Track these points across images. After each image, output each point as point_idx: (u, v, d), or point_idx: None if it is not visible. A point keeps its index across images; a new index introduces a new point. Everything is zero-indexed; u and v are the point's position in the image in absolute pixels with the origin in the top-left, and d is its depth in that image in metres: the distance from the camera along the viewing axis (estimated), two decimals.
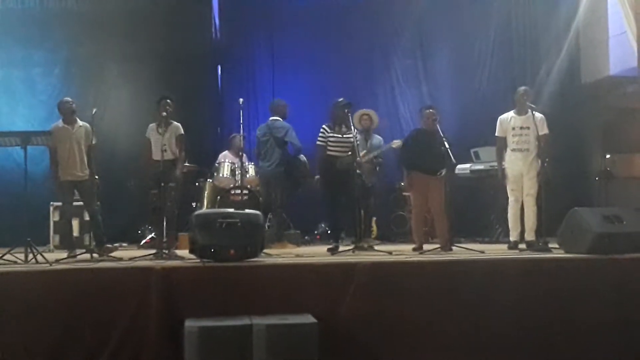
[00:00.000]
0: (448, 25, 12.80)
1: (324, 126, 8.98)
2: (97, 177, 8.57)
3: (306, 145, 10.31)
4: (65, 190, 8.58)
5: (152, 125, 8.45)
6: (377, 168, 9.68)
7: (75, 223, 10.01)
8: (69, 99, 8.67)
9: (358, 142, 8.59)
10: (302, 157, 9.82)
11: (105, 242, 8.52)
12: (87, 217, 9.33)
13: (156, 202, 8.23)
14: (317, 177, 9.09)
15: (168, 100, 8.44)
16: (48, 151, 9.01)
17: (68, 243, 8.65)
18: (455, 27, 12.76)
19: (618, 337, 6.44)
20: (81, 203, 8.94)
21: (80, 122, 8.56)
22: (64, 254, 7.88)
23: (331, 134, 8.89)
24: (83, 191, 8.56)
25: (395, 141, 9.40)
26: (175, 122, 8.48)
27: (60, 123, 8.57)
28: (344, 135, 8.77)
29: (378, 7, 12.82)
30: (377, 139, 9.77)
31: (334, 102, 9.00)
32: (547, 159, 8.37)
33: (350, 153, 8.57)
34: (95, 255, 7.82)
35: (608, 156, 10.86)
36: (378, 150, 9.45)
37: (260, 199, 9.89)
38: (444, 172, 8.48)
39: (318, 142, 8.98)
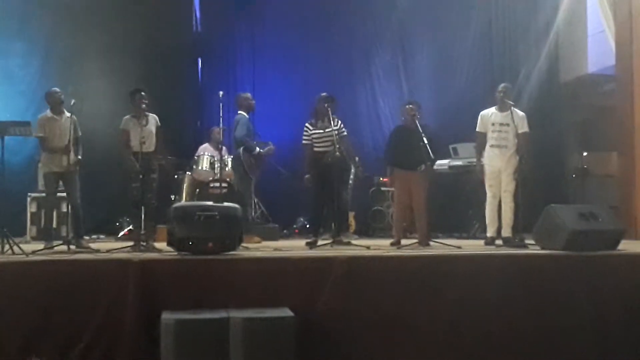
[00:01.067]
0: (429, 22, 12.86)
1: (306, 124, 8.98)
2: (80, 157, 8.51)
3: (287, 138, 10.36)
4: (50, 180, 8.50)
5: (128, 117, 8.40)
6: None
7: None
8: (57, 89, 8.57)
9: (338, 136, 8.59)
10: (241, 150, 9.73)
11: (83, 235, 8.49)
12: (64, 209, 9.29)
13: (137, 194, 8.20)
14: (306, 176, 9.01)
15: (142, 93, 8.41)
16: (26, 141, 8.97)
17: (47, 234, 8.56)
18: (436, 24, 12.82)
19: (592, 333, 6.50)
20: (60, 195, 8.88)
21: (67, 113, 8.46)
22: (41, 245, 7.83)
23: (314, 131, 8.90)
24: (68, 182, 8.46)
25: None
26: (152, 114, 8.46)
27: (48, 113, 8.49)
28: (326, 130, 8.76)
29: (360, 3, 12.83)
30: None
31: (317, 96, 9.00)
32: (524, 156, 8.42)
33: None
34: (72, 246, 7.79)
35: (585, 154, 10.95)
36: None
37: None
38: (423, 167, 8.51)
39: (304, 142, 8.98)
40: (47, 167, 8.46)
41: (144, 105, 8.29)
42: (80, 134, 8.58)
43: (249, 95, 10.11)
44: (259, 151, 9.77)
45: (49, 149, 8.38)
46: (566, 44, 12.51)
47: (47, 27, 11.95)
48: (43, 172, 8.55)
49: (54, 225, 9.79)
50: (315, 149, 8.88)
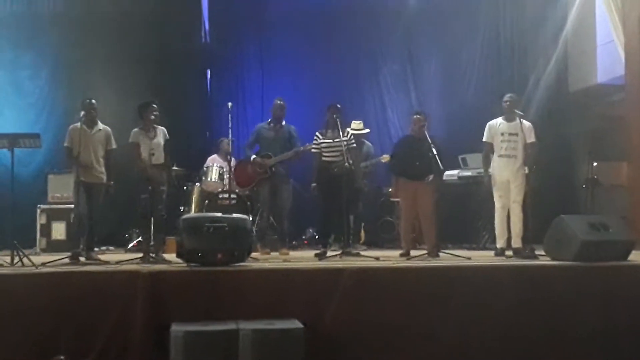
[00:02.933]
0: (437, 32, 12.85)
1: (316, 133, 9.04)
2: (112, 182, 8.46)
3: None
4: (77, 190, 8.25)
5: (137, 130, 8.38)
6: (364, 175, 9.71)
7: (60, 226, 10.00)
8: (93, 100, 8.41)
9: (347, 147, 8.60)
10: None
11: (93, 248, 8.44)
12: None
13: (146, 206, 8.19)
14: (313, 184, 9.02)
15: (154, 105, 8.40)
16: (36, 153, 8.98)
17: (75, 244, 8.25)
18: (443, 34, 12.81)
19: (603, 344, 6.47)
20: (68, 206, 8.83)
21: (100, 125, 8.35)
22: (51, 257, 7.81)
23: (323, 140, 8.92)
24: (94, 194, 8.29)
25: (384, 156, 9.45)
26: (161, 127, 8.46)
27: (78, 124, 8.25)
28: (335, 140, 8.76)
29: (367, 13, 12.84)
30: (367, 145, 9.80)
31: (327, 106, 9.01)
32: (534, 167, 8.40)
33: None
34: (82, 258, 7.79)
35: (595, 164, 10.90)
36: (368, 162, 9.47)
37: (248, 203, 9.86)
38: (431, 177, 8.50)
39: (312, 150, 9.02)
40: (76, 176, 8.23)
41: (153, 117, 8.29)
42: (114, 146, 8.46)
43: (275, 102, 9.76)
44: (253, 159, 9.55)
45: (75, 160, 8.16)
46: (575, 53, 12.49)
47: (56, 39, 11.99)
48: (74, 181, 8.30)
49: (63, 237, 9.85)
50: (324, 158, 8.90)
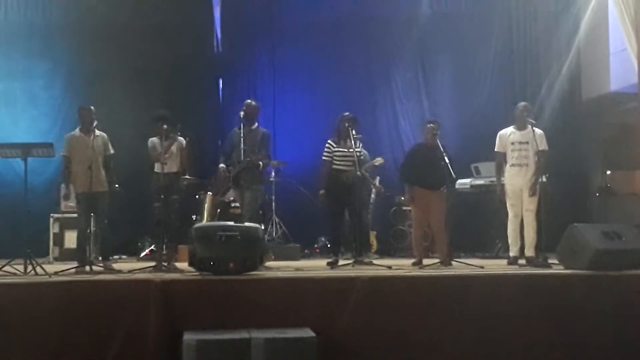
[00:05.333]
0: (449, 40, 12.85)
1: (329, 141, 8.99)
2: (117, 185, 8.51)
3: (307, 157, 10.34)
4: (80, 201, 8.40)
5: (154, 139, 8.45)
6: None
7: (72, 235, 10.02)
8: (91, 107, 8.47)
9: (360, 156, 8.59)
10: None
11: (108, 257, 8.49)
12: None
13: (159, 214, 8.23)
14: (321, 191, 9.02)
15: (166, 115, 8.48)
16: (50, 162, 8.98)
17: (81, 254, 8.34)
18: (456, 42, 12.82)
19: (617, 353, 6.43)
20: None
21: (97, 132, 8.38)
22: (64, 266, 7.84)
23: (337, 149, 8.89)
24: (97, 203, 8.35)
25: (377, 159, 9.41)
26: (176, 136, 8.51)
27: (77, 132, 8.42)
28: (349, 150, 8.74)
29: (379, 22, 12.85)
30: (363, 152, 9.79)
31: (339, 116, 8.99)
32: (546, 175, 8.38)
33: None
34: (94, 267, 7.81)
35: (608, 172, 10.85)
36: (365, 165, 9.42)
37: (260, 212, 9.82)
38: (445, 187, 8.48)
39: (324, 158, 8.96)
40: (76, 187, 8.36)
41: (166, 127, 8.34)
42: (112, 152, 8.57)
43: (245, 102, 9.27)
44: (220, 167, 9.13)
45: (73, 169, 8.33)
46: (588, 62, 12.46)
47: (70, 48, 12.04)
48: (75, 192, 8.44)
49: (74, 245, 9.88)
50: (335, 166, 8.87)
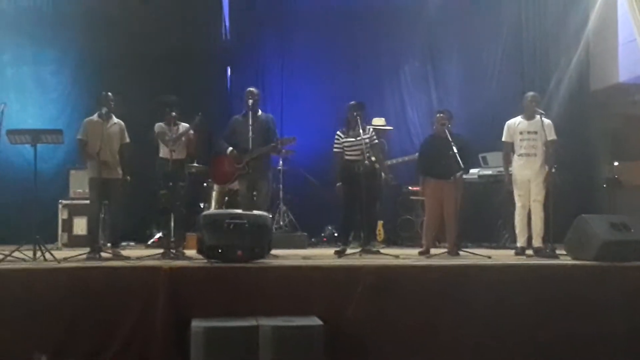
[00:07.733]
0: (458, 31, 12.81)
1: (338, 132, 8.98)
2: (128, 177, 8.53)
3: (316, 147, 10.34)
4: (93, 186, 8.36)
5: (161, 124, 8.47)
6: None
7: (81, 221, 10.07)
8: (110, 94, 8.48)
9: (370, 144, 8.59)
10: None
11: (119, 243, 8.53)
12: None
13: (165, 201, 8.24)
14: (338, 184, 9.02)
15: (174, 100, 8.51)
16: (58, 148, 8.98)
17: (92, 241, 8.29)
18: (465, 33, 12.77)
19: (625, 344, 6.44)
20: (88, 201, 8.88)
21: (115, 119, 8.43)
22: (73, 252, 7.86)
23: (345, 139, 8.88)
24: (110, 190, 8.34)
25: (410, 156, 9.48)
26: (183, 123, 8.51)
27: (95, 117, 8.38)
28: (358, 139, 8.72)
29: (388, 12, 12.79)
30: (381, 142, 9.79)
31: (346, 105, 8.97)
32: (555, 165, 8.37)
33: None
34: (103, 253, 7.84)
35: (616, 163, 10.84)
36: (395, 160, 9.39)
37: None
38: (457, 175, 8.45)
39: (335, 150, 8.96)
40: (91, 172, 8.34)
41: (173, 113, 8.36)
42: (127, 140, 8.57)
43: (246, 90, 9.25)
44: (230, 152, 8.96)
45: (89, 154, 8.28)
46: (597, 52, 12.41)
47: (79, 35, 12.02)
48: (88, 177, 8.45)
49: (83, 232, 9.94)
50: (347, 157, 8.86)
